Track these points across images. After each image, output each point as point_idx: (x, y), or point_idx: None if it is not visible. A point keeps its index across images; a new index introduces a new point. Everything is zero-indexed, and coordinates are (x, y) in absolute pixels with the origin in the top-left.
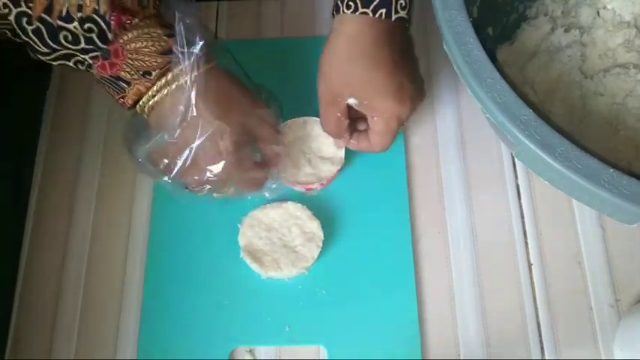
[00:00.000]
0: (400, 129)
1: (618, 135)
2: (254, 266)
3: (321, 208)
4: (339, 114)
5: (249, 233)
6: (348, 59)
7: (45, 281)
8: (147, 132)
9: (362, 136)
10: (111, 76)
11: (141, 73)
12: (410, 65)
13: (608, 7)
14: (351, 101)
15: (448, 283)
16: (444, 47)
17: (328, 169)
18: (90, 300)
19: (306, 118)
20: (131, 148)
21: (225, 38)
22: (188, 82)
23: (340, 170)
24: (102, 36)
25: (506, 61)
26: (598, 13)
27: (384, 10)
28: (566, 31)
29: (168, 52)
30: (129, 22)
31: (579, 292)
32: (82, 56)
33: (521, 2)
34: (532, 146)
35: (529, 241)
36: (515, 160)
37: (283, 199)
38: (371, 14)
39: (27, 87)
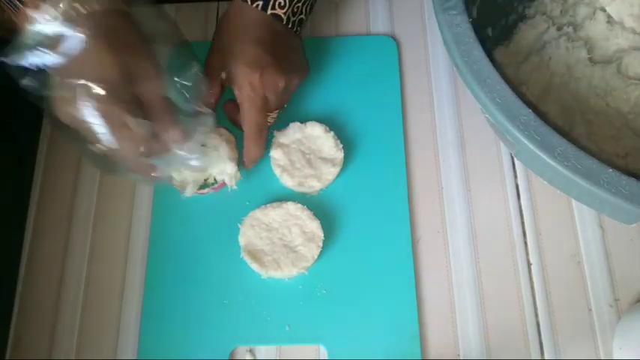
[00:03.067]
0: (271, 111)
1: (615, 133)
2: (254, 266)
3: (322, 208)
4: (210, 88)
5: (249, 233)
6: (225, 36)
7: (45, 281)
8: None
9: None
10: None
11: None
12: (280, 49)
13: (607, 7)
14: (223, 75)
15: (448, 283)
16: (444, 47)
17: (329, 170)
18: (90, 300)
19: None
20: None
21: None
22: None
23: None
24: None
25: (503, 61)
26: (594, 13)
27: (260, 3)
28: (559, 29)
29: None
30: None
31: (578, 291)
32: None
33: (521, 2)
34: (531, 146)
35: (528, 241)
36: (515, 160)
37: (283, 199)
38: (249, 2)
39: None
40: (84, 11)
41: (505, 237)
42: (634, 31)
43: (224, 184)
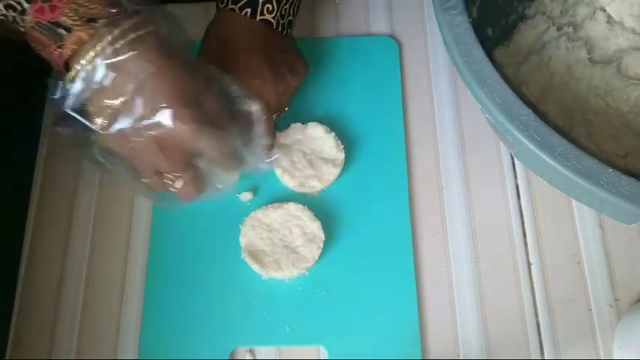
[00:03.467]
0: (272, 115)
1: (615, 133)
2: (255, 267)
3: (322, 209)
4: None
5: (250, 234)
6: (214, 45)
7: (45, 281)
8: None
9: None
10: (49, 21)
11: (85, 19)
12: (272, 54)
13: (607, 7)
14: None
15: (447, 283)
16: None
17: (330, 171)
18: (91, 300)
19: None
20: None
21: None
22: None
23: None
24: None
25: (503, 61)
26: (594, 13)
27: (249, 10)
28: (559, 29)
29: (116, 3)
30: None
31: (579, 291)
32: None
33: (521, 2)
34: (531, 146)
35: (528, 240)
36: (515, 159)
37: (284, 200)
38: (237, 11)
39: (28, 88)
40: (127, 48)
41: (505, 237)
42: (634, 31)
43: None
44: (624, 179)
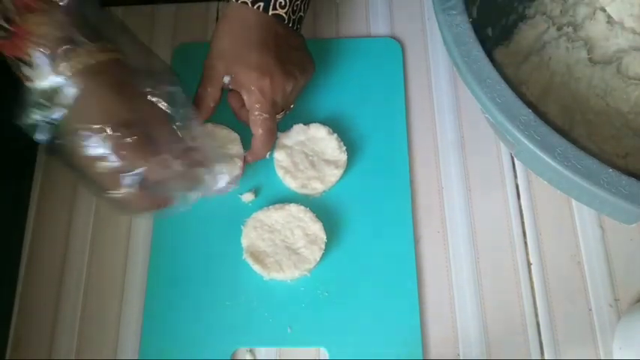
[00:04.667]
0: (278, 112)
1: (615, 133)
2: (256, 268)
3: (324, 210)
4: (209, 89)
5: (252, 235)
6: (227, 39)
7: (45, 281)
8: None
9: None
10: (13, 56)
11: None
12: (282, 51)
13: (607, 8)
14: (226, 79)
15: (448, 283)
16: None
17: (332, 172)
18: (91, 301)
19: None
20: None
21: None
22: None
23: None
24: (5, 17)
25: (503, 61)
26: (594, 13)
27: (261, 4)
28: (559, 29)
29: (70, 40)
30: (33, 4)
31: (579, 291)
32: None
33: (521, 2)
34: (531, 146)
35: (528, 240)
36: (515, 160)
37: (286, 201)
38: (250, 4)
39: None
40: (80, 67)
41: (505, 237)
42: (634, 31)
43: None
44: (624, 179)
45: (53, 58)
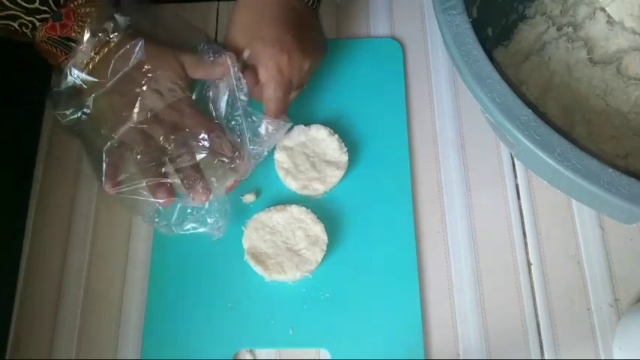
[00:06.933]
0: (292, 91)
1: (615, 133)
2: (258, 269)
3: (326, 212)
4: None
5: (253, 236)
6: (247, 14)
7: (45, 281)
8: (78, 97)
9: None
10: (60, 36)
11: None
12: (301, 29)
13: (607, 8)
14: (246, 54)
15: (448, 283)
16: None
17: (333, 173)
18: (91, 302)
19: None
20: (60, 111)
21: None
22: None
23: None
24: (55, 0)
25: (503, 61)
26: (594, 13)
27: None
28: (559, 29)
29: (111, 17)
30: None
31: (578, 291)
32: (29, 18)
33: (521, 2)
34: (531, 146)
35: (528, 240)
36: (515, 160)
37: (287, 202)
38: None
39: (28, 87)
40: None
41: (505, 237)
42: (634, 31)
43: (227, 190)
44: (624, 179)
45: (98, 33)
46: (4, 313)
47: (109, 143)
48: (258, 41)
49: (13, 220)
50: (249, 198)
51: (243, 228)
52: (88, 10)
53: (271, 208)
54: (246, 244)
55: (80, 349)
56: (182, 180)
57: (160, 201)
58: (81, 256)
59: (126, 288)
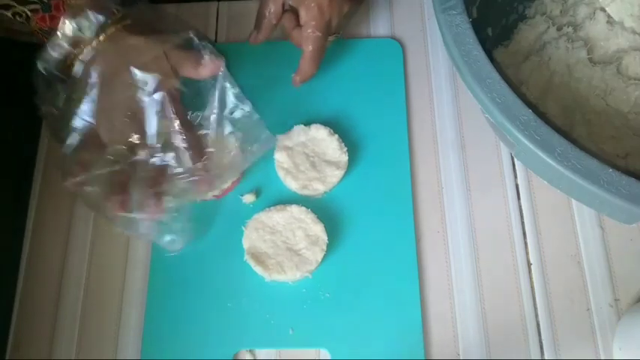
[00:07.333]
0: (331, 35)
1: (615, 133)
2: (258, 269)
3: (325, 212)
4: (271, 4)
5: (253, 236)
6: None
7: (46, 282)
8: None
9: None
10: (50, 28)
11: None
12: None
13: (607, 8)
14: None
15: (448, 283)
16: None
17: (333, 173)
18: (91, 302)
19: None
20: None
21: (224, 41)
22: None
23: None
24: None
25: (503, 61)
26: (594, 13)
27: None
28: (559, 29)
29: (102, 7)
30: None
31: (578, 291)
32: (21, 8)
33: (521, 2)
34: (531, 146)
35: (528, 241)
36: (515, 160)
37: (287, 202)
38: None
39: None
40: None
41: (505, 237)
42: (634, 31)
43: (227, 191)
44: (624, 179)
45: (85, 24)
46: (4, 313)
47: (76, 137)
48: None
49: (13, 220)
50: (249, 198)
51: (243, 228)
52: (78, 1)
53: (271, 208)
54: (246, 244)
55: (80, 349)
56: (135, 194)
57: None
58: (81, 256)
59: (126, 288)
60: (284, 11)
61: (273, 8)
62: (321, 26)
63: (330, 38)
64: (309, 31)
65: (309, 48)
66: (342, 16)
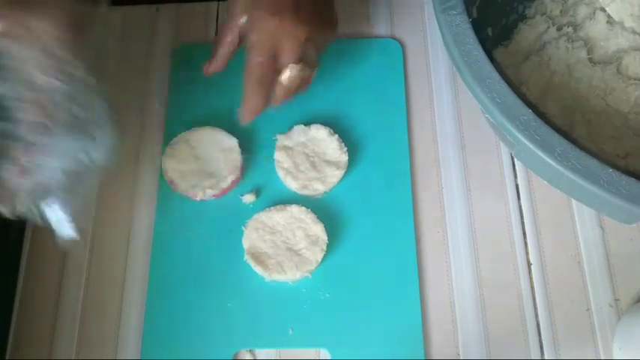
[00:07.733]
0: (285, 64)
1: (615, 133)
2: (258, 269)
3: (325, 212)
4: (227, 30)
5: (253, 236)
6: None
7: (46, 282)
8: None
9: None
10: None
11: None
12: (310, 3)
13: (607, 8)
14: (243, 19)
15: (448, 283)
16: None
17: (333, 173)
18: (91, 302)
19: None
20: None
21: None
22: None
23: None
24: None
25: (503, 61)
26: (594, 13)
27: None
28: (559, 29)
29: None
30: None
31: (578, 291)
32: None
33: (521, 2)
34: (531, 146)
35: (528, 241)
36: (515, 160)
37: (287, 202)
38: None
39: None
40: None
41: (505, 237)
42: (634, 31)
43: (227, 190)
44: (624, 179)
45: None
46: (4, 313)
47: None
48: (255, 5)
49: (12, 220)
50: (249, 198)
51: (243, 228)
52: None
53: (271, 208)
54: (246, 244)
55: (80, 349)
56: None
57: None
58: (81, 257)
59: (126, 288)
60: (241, 41)
61: (230, 37)
62: (263, 49)
63: (295, 72)
64: (251, 55)
65: (247, 74)
66: (300, 44)
